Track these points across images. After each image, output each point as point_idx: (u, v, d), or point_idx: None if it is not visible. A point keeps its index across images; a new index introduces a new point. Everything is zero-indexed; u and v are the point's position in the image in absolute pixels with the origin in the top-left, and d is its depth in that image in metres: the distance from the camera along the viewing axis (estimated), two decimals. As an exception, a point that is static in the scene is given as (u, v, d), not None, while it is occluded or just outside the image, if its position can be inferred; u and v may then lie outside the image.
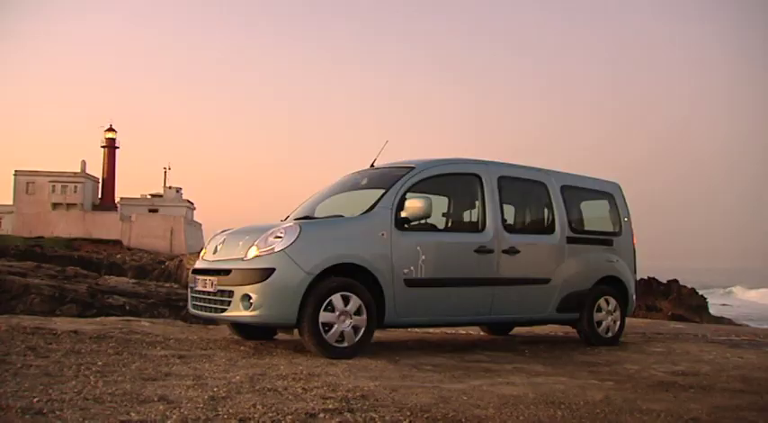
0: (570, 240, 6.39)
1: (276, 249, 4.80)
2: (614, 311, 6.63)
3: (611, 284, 6.69)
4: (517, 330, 7.72)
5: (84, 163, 69.90)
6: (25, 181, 68.20)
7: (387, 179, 5.59)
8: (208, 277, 5.14)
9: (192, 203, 76.37)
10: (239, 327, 5.69)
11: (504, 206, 5.98)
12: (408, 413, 3.21)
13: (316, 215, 5.87)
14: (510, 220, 6.15)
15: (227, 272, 4.97)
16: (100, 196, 72.57)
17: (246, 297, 4.75)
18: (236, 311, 4.83)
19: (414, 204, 5.18)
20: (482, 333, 7.56)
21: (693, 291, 31.46)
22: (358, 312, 4.90)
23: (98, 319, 7.20)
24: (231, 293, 4.85)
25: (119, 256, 54.18)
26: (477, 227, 5.79)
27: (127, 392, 3.31)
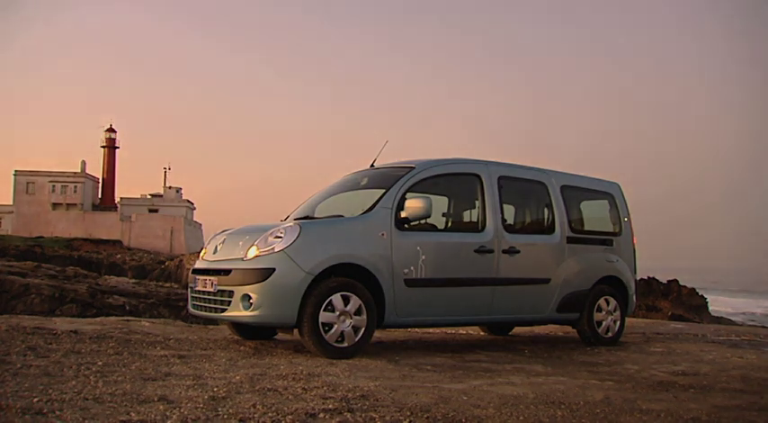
0: (570, 240, 6.39)
1: (276, 249, 4.80)
2: (614, 311, 6.63)
3: (612, 284, 6.68)
4: (517, 330, 7.72)
5: (84, 163, 69.98)
6: (25, 181, 68.24)
7: (387, 179, 5.59)
8: (208, 277, 5.14)
9: (192, 203, 76.43)
10: (239, 327, 5.69)
11: (504, 206, 5.97)
12: (408, 413, 3.21)
13: (316, 215, 5.87)
14: (510, 220, 6.15)
15: (227, 272, 4.96)
16: (100, 196, 72.62)
17: (246, 297, 4.75)
18: (236, 311, 4.82)
19: (414, 204, 5.18)
20: (482, 333, 7.56)
21: (693, 291, 31.44)
22: (358, 312, 4.89)
23: (98, 319, 7.20)
24: (231, 293, 4.85)
25: (119, 256, 54.16)
26: (477, 227, 5.79)
27: (127, 392, 3.31)
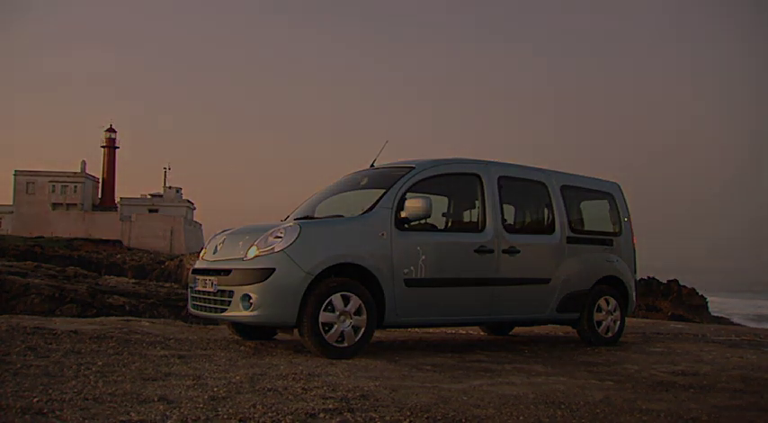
0: (570, 240, 6.39)
1: (276, 249, 4.80)
2: (614, 311, 6.63)
3: (611, 284, 6.68)
4: (517, 330, 7.72)
5: (84, 163, 70.03)
6: (25, 181, 68.28)
7: (387, 179, 5.59)
8: (208, 277, 5.14)
9: (192, 203, 76.46)
10: (239, 327, 5.69)
11: (504, 206, 5.97)
12: (408, 413, 3.21)
13: (316, 215, 5.88)
14: (510, 220, 6.15)
15: (227, 272, 4.96)
16: (100, 196, 72.65)
17: (246, 297, 4.75)
18: (236, 311, 4.83)
19: (414, 204, 5.18)
20: (482, 333, 7.56)
21: (693, 291, 31.51)
22: (358, 312, 4.89)
23: (98, 319, 7.21)
24: (231, 293, 4.85)
25: (119, 256, 54.19)
26: (477, 227, 5.78)
27: (127, 392, 3.31)
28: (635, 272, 7.06)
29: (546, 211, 6.45)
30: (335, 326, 4.80)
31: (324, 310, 4.75)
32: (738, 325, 25.32)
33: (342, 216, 5.50)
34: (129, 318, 7.78)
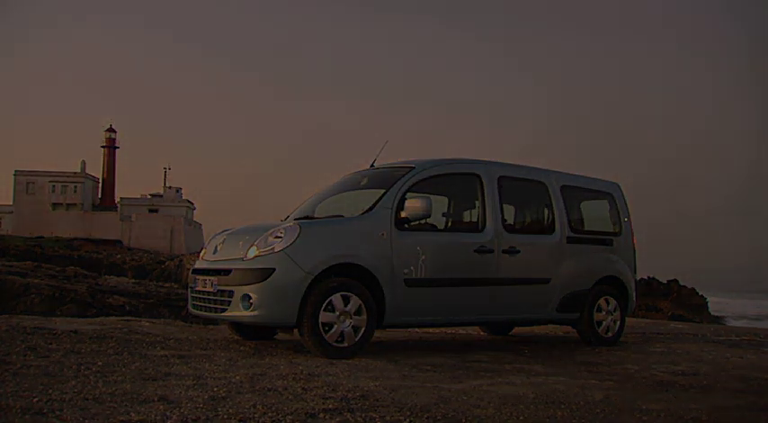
0: (570, 240, 6.39)
1: (276, 249, 4.80)
2: (614, 311, 6.63)
3: (611, 284, 6.68)
4: (517, 330, 7.72)
5: (84, 163, 70.13)
6: (25, 181, 68.37)
7: (387, 179, 5.59)
8: (208, 277, 5.14)
9: (192, 203, 76.54)
10: (239, 327, 5.69)
11: (504, 206, 5.98)
12: (408, 413, 3.21)
13: (316, 215, 5.88)
14: (510, 220, 6.15)
15: (227, 272, 4.97)
16: (100, 196, 72.75)
17: (246, 297, 4.75)
18: (236, 311, 4.83)
19: (414, 204, 5.18)
20: (482, 333, 7.56)
21: (693, 291, 31.53)
22: (358, 312, 4.90)
23: (98, 319, 7.21)
24: (231, 293, 4.86)
25: (119, 256, 54.17)
26: (477, 227, 5.79)
27: (127, 392, 3.31)
28: (635, 272, 7.06)
29: (546, 211, 6.45)
30: (335, 326, 4.80)
31: (324, 310, 4.76)
32: (724, 324, 25.34)
33: (342, 216, 5.50)
34: (129, 318, 7.78)
